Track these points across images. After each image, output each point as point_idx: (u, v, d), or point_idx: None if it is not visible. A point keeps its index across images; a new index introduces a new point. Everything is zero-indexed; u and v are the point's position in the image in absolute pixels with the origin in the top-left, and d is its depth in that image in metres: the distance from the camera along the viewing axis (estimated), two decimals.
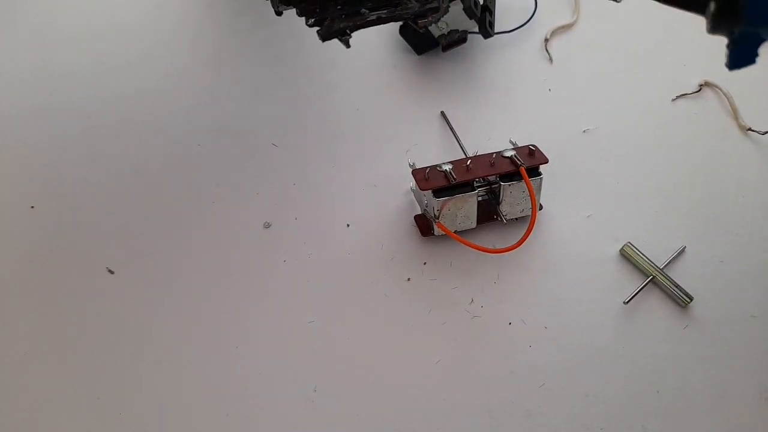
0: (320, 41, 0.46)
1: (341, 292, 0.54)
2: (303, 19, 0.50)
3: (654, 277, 0.54)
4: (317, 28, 0.47)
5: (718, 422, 0.49)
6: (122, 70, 0.67)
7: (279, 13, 0.48)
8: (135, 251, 0.55)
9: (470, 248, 0.53)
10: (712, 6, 0.32)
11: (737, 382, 0.50)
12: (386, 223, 0.57)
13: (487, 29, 0.64)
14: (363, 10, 0.47)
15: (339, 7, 0.47)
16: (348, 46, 0.47)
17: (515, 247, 0.53)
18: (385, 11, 0.47)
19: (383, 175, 0.60)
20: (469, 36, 0.66)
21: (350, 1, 0.48)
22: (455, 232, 0.54)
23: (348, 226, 0.57)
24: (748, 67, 0.34)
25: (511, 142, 0.57)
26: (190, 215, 0.58)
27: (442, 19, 0.62)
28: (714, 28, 0.33)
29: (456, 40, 0.65)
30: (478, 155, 0.55)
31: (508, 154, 0.54)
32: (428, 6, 0.48)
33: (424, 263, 0.55)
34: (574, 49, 0.69)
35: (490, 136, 0.62)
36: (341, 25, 0.46)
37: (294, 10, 0.49)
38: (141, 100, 0.65)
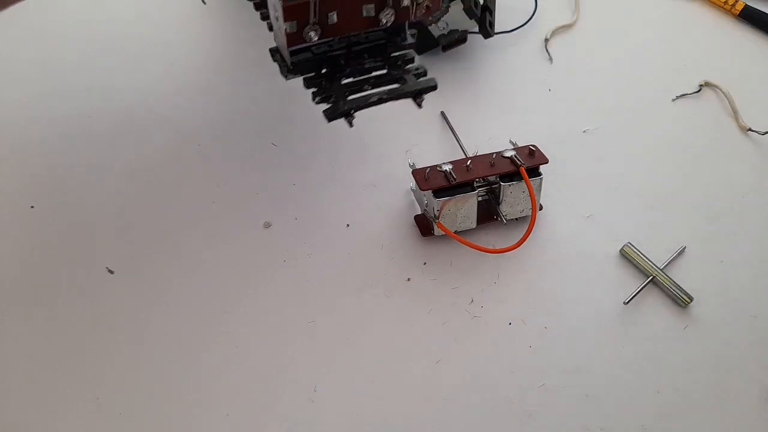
0: (327, 121, 0.47)
1: (341, 292, 0.54)
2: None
3: (654, 277, 0.54)
4: (324, 107, 0.48)
5: (718, 422, 0.49)
6: (122, 70, 0.67)
7: (287, 78, 0.49)
8: (135, 251, 0.55)
9: (470, 248, 0.53)
10: None
11: (737, 382, 0.50)
12: (386, 223, 0.57)
13: (487, 29, 0.64)
14: (366, 86, 0.48)
15: (343, 81, 0.48)
16: (351, 125, 0.47)
17: (515, 247, 0.53)
18: (387, 89, 0.48)
19: (383, 175, 0.60)
20: (469, 36, 0.66)
21: (355, 72, 0.48)
22: (455, 232, 0.54)
23: (348, 226, 0.57)
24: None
25: (511, 142, 0.57)
26: (190, 215, 0.58)
27: (442, 19, 0.63)
28: None
29: (456, 40, 0.65)
30: (478, 155, 0.55)
31: (508, 154, 0.54)
32: (429, 85, 0.48)
33: (424, 263, 0.55)
34: (574, 49, 0.70)
35: (490, 136, 0.62)
36: (346, 108, 0.47)
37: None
38: (141, 99, 0.65)
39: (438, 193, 0.52)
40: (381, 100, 0.47)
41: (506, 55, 0.69)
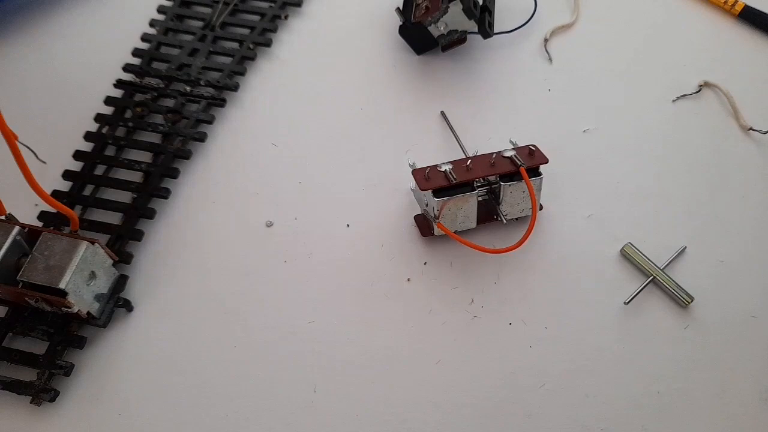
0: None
1: (341, 292, 0.54)
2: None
3: (655, 277, 0.54)
4: None
5: (718, 422, 0.49)
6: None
7: None
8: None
9: (470, 248, 0.53)
10: None
11: (737, 383, 0.50)
12: (386, 223, 0.57)
13: (486, 29, 0.64)
14: None
15: None
16: None
17: (515, 248, 0.53)
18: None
19: (383, 175, 0.60)
20: (469, 36, 0.66)
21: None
22: (455, 232, 0.54)
23: (348, 226, 0.57)
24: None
25: (511, 142, 0.56)
26: (189, 215, 0.57)
27: (441, 19, 0.63)
28: None
29: (455, 40, 0.65)
30: (478, 155, 0.55)
31: (508, 154, 0.54)
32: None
33: (424, 263, 0.55)
34: (574, 49, 0.69)
35: (490, 136, 0.62)
36: None
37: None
38: None
39: (438, 192, 0.52)
40: None
41: (506, 55, 0.69)
